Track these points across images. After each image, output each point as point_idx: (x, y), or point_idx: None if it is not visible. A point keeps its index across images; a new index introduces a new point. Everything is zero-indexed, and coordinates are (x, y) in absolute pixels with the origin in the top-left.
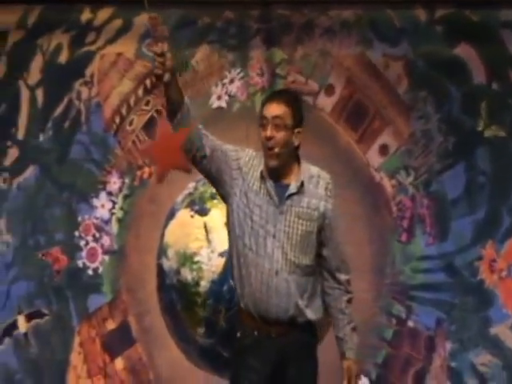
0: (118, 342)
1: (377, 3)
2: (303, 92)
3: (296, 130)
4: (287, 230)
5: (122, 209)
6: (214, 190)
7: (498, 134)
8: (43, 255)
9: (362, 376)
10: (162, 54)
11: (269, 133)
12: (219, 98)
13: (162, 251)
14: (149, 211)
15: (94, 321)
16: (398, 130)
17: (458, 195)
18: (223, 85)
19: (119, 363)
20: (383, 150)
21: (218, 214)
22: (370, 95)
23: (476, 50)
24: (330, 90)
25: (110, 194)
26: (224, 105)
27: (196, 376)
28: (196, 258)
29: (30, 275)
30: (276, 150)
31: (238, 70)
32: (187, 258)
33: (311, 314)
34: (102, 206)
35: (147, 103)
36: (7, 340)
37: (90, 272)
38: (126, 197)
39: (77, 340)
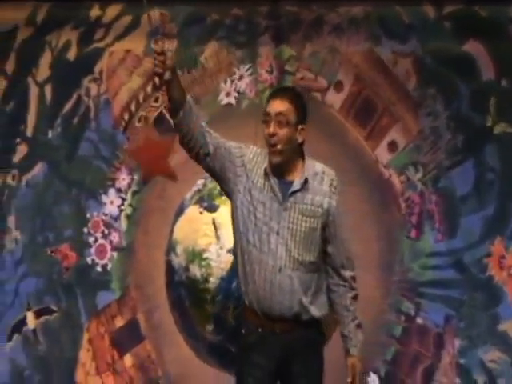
0: (127, 338)
1: (385, 0)
2: (312, 88)
3: (299, 127)
4: (291, 226)
5: (130, 205)
6: None
7: (506, 131)
8: (52, 252)
9: (371, 373)
10: (161, 53)
11: (272, 129)
12: (228, 94)
13: (170, 248)
14: (158, 208)
15: (103, 317)
16: (407, 127)
17: (467, 192)
18: (232, 81)
19: (128, 360)
20: (392, 146)
21: (226, 210)
22: (379, 92)
23: (485, 47)
24: (338, 87)
25: (118, 190)
26: (233, 101)
27: (205, 373)
28: (205, 255)
29: (39, 272)
30: (279, 146)
31: (247, 67)
32: (196, 255)
33: (315, 311)
34: (111, 202)
35: (156, 100)
36: (16, 336)
37: (99, 269)
38: (134, 193)
39: (85, 337)
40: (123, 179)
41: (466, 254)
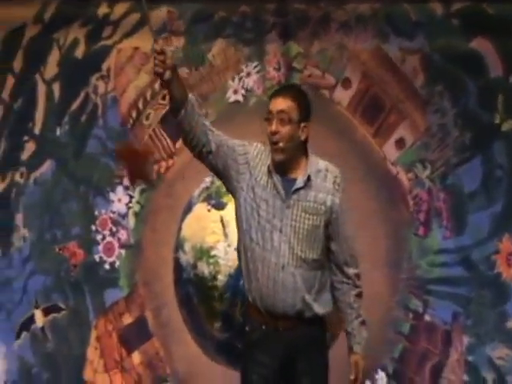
0: (135, 336)
1: None
2: (320, 86)
3: (302, 125)
4: (294, 224)
5: (138, 203)
6: None
7: None
8: (60, 249)
9: (379, 370)
10: (161, 52)
11: (274, 127)
12: (236, 92)
13: (178, 245)
14: (165, 205)
15: (111, 315)
16: (415, 124)
17: (475, 189)
18: (240, 79)
19: (136, 358)
20: (399, 143)
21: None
22: (387, 89)
23: (493, 44)
24: (346, 84)
25: (126, 188)
26: (240, 99)
27: (213, 370)
28: (213, 252)
29: (47, 269)
30: (281, 144)
31: (255, 64)
32: (204, 252)
33: (319, 308)
34: (119, 200)
35: (164, 97)
36: (24, 334)
37: (107, 266)
38: (142, 191)
39: (93, 334)
40: None
41: (474, 251)
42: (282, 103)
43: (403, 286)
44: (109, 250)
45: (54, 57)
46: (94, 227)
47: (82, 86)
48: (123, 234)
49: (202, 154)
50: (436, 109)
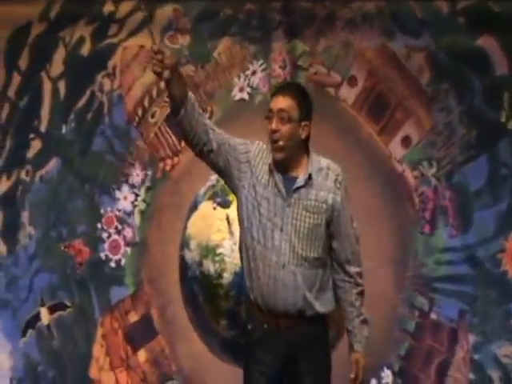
0: (141, 334)
1: None
2: (325, 84)
3: (303, 123)
4: (295, 222)
5: (144, 201)
6: None
7: None
8: (66, 247)
9: (385, 368)
10: (159, 51)
11: (274, 126)
12: (241, 89)
13: (184, 243)
14: (171, 203)
15: (117, 313)
16: (420, 122)
17: (481, 187)
18: (245, 77)
19: (142, 355)
20: (405, 141)
21: None
22: (392, 87)
23: (498, 41)
24: (352, 82)
25: (132, 186)
26: (246, 97)
27: (218, 368)
28: (218, 250)
29: (53, 267)
30: (281, 142)
31: (260, 62)
32: (209, 250)
33: (320, 307)
34: (125, 198)
35: None
36: (30, 332)
37: (113, 264)
38: (148, 189)
39: (99, 332)
40: (137, 175)
41: (480, 250)
42: (282, 102)
43: (409, 284)
44: (114, 247)
45: (59, 55)
46: (99, 225)
47: (88, 83)
48: (129, 232)
49: (203, 152)
50: (442, 107)
